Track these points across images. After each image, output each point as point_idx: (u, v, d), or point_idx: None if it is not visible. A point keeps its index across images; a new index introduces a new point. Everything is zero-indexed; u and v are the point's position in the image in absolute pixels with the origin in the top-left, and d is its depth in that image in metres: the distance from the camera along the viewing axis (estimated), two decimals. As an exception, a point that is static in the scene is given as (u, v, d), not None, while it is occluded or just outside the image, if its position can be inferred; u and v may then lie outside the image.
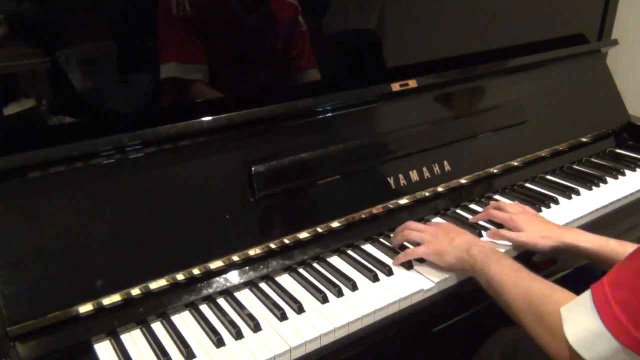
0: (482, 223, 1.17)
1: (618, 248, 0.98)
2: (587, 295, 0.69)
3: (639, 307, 0.64)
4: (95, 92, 0.97)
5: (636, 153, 1.55)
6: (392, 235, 1.10)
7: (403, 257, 1.03)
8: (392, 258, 1.05)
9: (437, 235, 1.02)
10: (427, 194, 1.21)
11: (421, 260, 1.03)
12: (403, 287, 0.97)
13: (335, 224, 1.09)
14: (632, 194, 1.34)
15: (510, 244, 1.09)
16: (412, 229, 1.06)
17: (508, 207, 1.15)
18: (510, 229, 1.09)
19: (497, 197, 1.29)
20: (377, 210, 1.14)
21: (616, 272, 0.69)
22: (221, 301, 0.95)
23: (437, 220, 1.20)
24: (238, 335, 0.86)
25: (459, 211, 1.24)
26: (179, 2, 1.00)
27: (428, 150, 1.23)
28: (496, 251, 0.94)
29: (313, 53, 1.18)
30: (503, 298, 0.85)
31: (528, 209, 1.16)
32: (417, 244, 1.04)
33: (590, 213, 1.24)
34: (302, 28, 1.15)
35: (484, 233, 1.13)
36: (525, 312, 0.79)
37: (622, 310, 0.65)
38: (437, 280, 0.99)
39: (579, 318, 0.69)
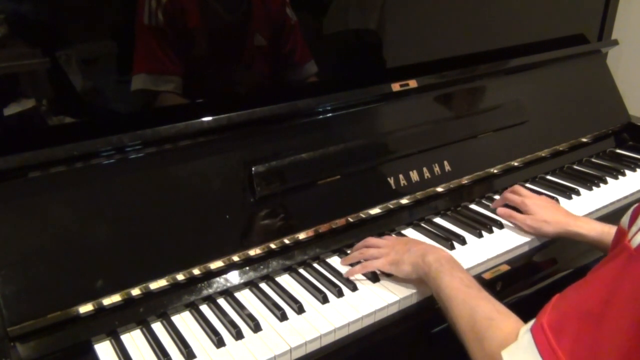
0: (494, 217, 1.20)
1: None
2: (528, 339, 0.65)
3: (585, 356, 0.61)
4: (95, 92, 0.97)
5: (636, 153, 1.55)
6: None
7: (359, 269, 0.99)
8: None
9: (394, 247, 1.00)
10: (427, 194, 1.21)
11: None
12: (403, 287, 0.97)
13: (335, 224, 1.09)
14: (632, 194, 1.34)
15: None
16: (370, 245, 1.04)
17: (523, 191, 1.20)
18: (522, 212, 1.15)
19: (497, 197, 1.29)
20: (377, 210, 1.14)
21: (555, 312, 0.65)
22: (221, 301, 0.95)
23: (438, 220, 1.20)
24: (238, 335, 0.86)
25: (459, 211, 1.24)
26: (152, 11, 0.96)
27: (428, 150, 1.23)
28: (451, 260, 0.92)
29: (310, 49, 1.17)
30: (450, 313, 0.82)
31: (544, 197, 1.21)
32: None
33: (590, 213, 1.24)
34: (291, 21, 1.13)
35: (484, 233, 1.13)
36: (468, 332, 0.76)
37: (570, 359, 0.61)
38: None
39: None
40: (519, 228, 1.14)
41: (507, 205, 1.20)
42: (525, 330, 0.67)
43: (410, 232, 1.16)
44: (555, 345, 0.62)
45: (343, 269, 1.02)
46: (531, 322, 0.67)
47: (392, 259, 0.98)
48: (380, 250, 1.01)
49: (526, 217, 1.13)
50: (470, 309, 0.78)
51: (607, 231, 1.02)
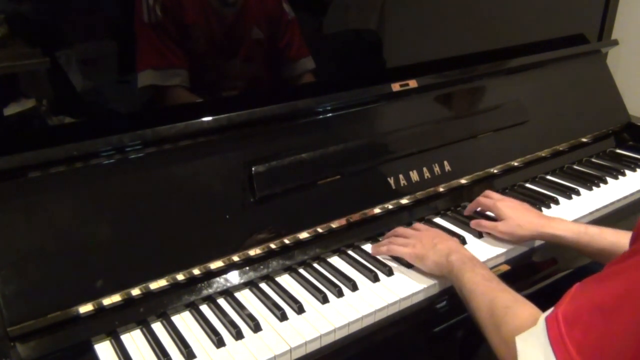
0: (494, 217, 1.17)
1: (597, 236, 0.99)
2: (541, 327, 0.66)
3: (593, 350, 0.62)
4: (95, 92, 0.97)
5: (636, 153, 1.55)
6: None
7: (385, 249, 1.04)
8: (392, 258, 1.05)
9: (421, 239, 1.02)
10: (427, 194, 1.21)
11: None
12: (403, 287, 0.97)
13: (335, 224, 1.09)
14: (632, 194, 1.34)
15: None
16: (399, 235, 1.08)
17: (494, 194, 1.17)
18: (495, 217, 1.12)
19: (497, 197, 1.29)
20: (377, 210, 1.14)
21: (571, 303, 0.66)
22: (221, 301, 0.95)
23: (438, 220, 1.20)
24: (238, 335, 0.86)
25: (459, 211, 1.24)
26: (150, 7, 0.97)
27: (428, 150, 1.23)
28: (474, 259, 0.95)
29: (310, 49, 1.17)
30: (470, 306, 0.86)
31: (516, 200, 1.17)
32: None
33: (590, 213, 1.24)
34: (288, 16, 1.13)
35: (484, 233, 1.13)
36: (487, 321, 0.79)
37: (577, 351, 0.62)
38: (437, 280, 0.99)
39: (533, 352, 0.67)
40: (493, 236, 1.11)
41: (479, 213, 1.18)
42: (543, 318, 0.68)
43: (410, 232, 1.15)
44: (566, 336, 0.63)
45: (343, 268, 1.02)
46: (549, 311, 0.68)
47: (417, 252, 1.00)
48: (407, 240, 1.04)
49: (497, 224, 1.09)
50: (490, 300, 0.81)
51: (583, 231, 1.01)
